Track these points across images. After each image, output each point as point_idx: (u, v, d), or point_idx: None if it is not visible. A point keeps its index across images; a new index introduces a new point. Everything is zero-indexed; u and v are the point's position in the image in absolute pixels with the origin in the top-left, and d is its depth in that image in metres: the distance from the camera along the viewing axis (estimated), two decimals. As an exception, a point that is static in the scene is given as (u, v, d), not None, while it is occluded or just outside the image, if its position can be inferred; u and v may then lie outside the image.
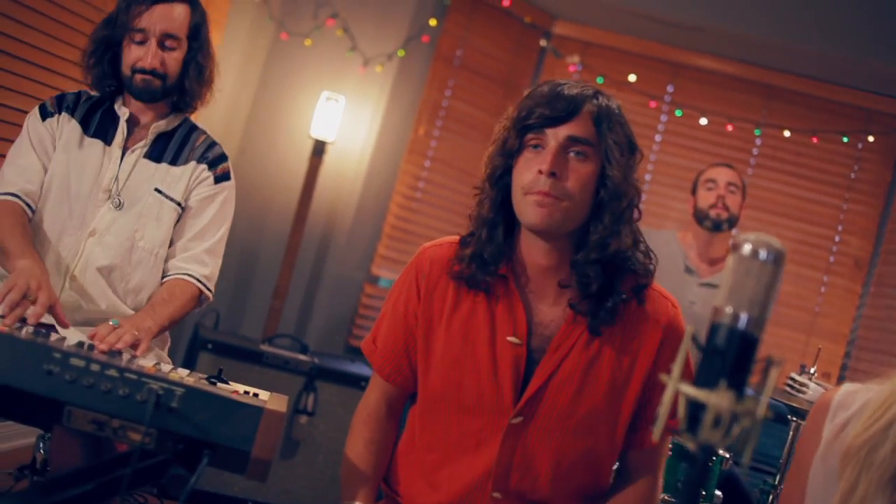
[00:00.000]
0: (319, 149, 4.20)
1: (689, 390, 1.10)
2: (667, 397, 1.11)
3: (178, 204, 2.32)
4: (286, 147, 4.44)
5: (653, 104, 4.66)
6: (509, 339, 1.69)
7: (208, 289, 2.34)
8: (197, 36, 2.36)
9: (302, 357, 3.66)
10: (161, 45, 2.27)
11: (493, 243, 1.70)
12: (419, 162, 4.61)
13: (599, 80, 4.64)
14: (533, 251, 1.71)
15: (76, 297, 2.24)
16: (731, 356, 1.12)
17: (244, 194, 4.45)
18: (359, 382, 3.66)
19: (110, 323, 1.89)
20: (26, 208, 2.22)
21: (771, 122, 4.60)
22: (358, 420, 1.86)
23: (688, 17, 4.32)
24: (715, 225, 3.57)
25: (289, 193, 4.37)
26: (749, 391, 1.12)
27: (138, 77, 2.27)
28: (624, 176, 1.65)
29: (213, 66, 2.43)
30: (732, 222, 3.59)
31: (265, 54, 4.49)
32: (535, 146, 1.66)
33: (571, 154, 1.64)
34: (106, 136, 2.32)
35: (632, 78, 4.64)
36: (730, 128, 4.59)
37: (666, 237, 3.71)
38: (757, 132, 4.60)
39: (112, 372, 1.55)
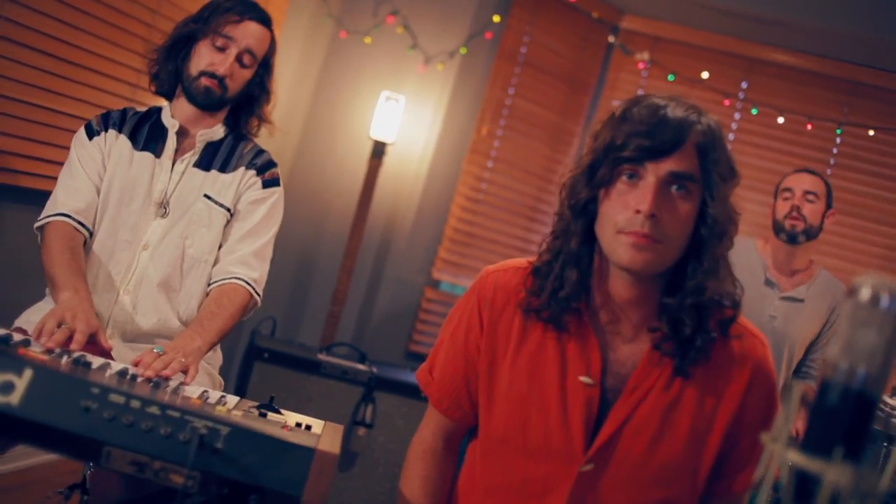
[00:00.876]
0: (379, 150, 4.09)
1: (800, 459, 0.96)
2: (768, 462, 0.96)
3: (228, 210, 2.29)
4: (345, 148, 4.34)
5: (726, 102, 4.45)
6: (581, 379, 1.52)
7: (257, 293, 2.28)
8: (267, 64, 2.39)
9: (360, 367, 3.56)
10: (239, 59, 2.28)
11: (576, 279, 1.53)
12: (482, 162, 4.47)
13: (670, 77, 4.45)
14: (617, 285, 1.54)
15: (129, 311, 2.20)
16: (847, 419, 0.97)
17: (302, 197, 4.39)
18: (418, 393, 3.54)
19: (154, 350, 1.80)
20: (79, 227, 2.18)
21: (853, 121, 4.35)
22: (413, 456, 1.73)
23: (763, 9, 4.11)
24: (790, 237, 3.34)
25: (348, 196, 4.27)
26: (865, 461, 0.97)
27: (203, 80, 2.26)
28: (727, 211, 1.48)
29: (271, 99, 2.44)
30: (811, 233, 3.35)
31: (324, 53, 4.39)
32: (631, 176, 1.47)
33: (673, 190, 1.45)
34: (155, 148, 2.29)
35: (704, 75, 4.43)
36: (809, 127, 4.36)
37: (746, 245, 3.49)
38: (838, 131, 4.36)
39: (153, 409, 1.44)
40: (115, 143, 2.27)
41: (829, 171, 4.37)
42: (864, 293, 0.96)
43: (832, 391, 0.97)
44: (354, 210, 4.11)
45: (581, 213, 1.52)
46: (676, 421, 1.51)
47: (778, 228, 3.37)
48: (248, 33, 2.28)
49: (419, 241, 4.39)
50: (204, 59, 2.26)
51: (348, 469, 3.53)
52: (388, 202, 4.32)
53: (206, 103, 2.28)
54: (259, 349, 3.43)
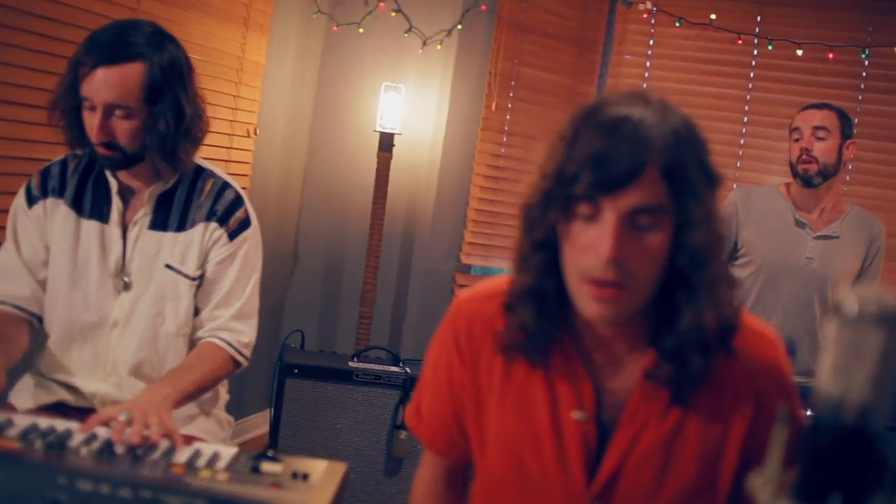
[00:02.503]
0: (387, 142, 3.97)
1: (787, 509, 0.83)
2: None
3: (194, 278, 2.08)
4: (355, 144, 4.23)
5: (740, 42, 4.23)
6: (574, 415, 1.37)
7: (243, 355, 2.10)
8: (158, 97, 1.94)
9: (394, 369, 3.46)
10: (107, 114, 1.91)
11: (545, 315, 1.35)
12: (496, 138, 4.33)
13: (677, 24, 4.25)
14: (593, 327, 1.37)
15: (116, 392, 2.06)
16: (842, 460, 0.84)
17: (319, 200, 4.30)
18: (456, 389, 3.44)
19: (121, 418, 1.68)
20: (15, 311, 2.03)
21: (878, 41, 4.10)
22: (416, 498, 1.62)
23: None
24: (805, 181, 3.14)
25: (365, 193, 4.17)
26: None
27: (98, 150, 1.95)
28: (709, 234, 1.24)
29: (197, 115, 2.04)
30: (827, 173, 3.12)
31: (319, 50, 4.28)
32: (589, 218, 1.24)
33: (638, 222, 1.22)
34: (101, 214, 2.05)
35: (713, 16, 4.22)
36: (830, 55, 4.13)
37: (769, 193, 3.31)
38: (863, 55, 4.12)
39: (124, 491, 1.35)
40: (57, 211, 2.05)
41: (860, 98, 4.14)
42: (850, 309, 0.83)
43: (822, 428, 0.84)
44: (370, 206, 4.01)
45: (541, 247, 1.33)
46: (683, 447, 1.35)
47: (794, 173, 3.19)
48: (101, 85, 1.88)
49: (443, 229, 4.28)
50: (86, 124, 1.94)
51: (395, 475, 3.45)
52: (405, 193, 4.20)
53: (116, 167, 2.00)
54: (289, 366, 3.36)
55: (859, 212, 3.25)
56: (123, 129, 1.93)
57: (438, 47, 4.13)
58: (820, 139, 3.12)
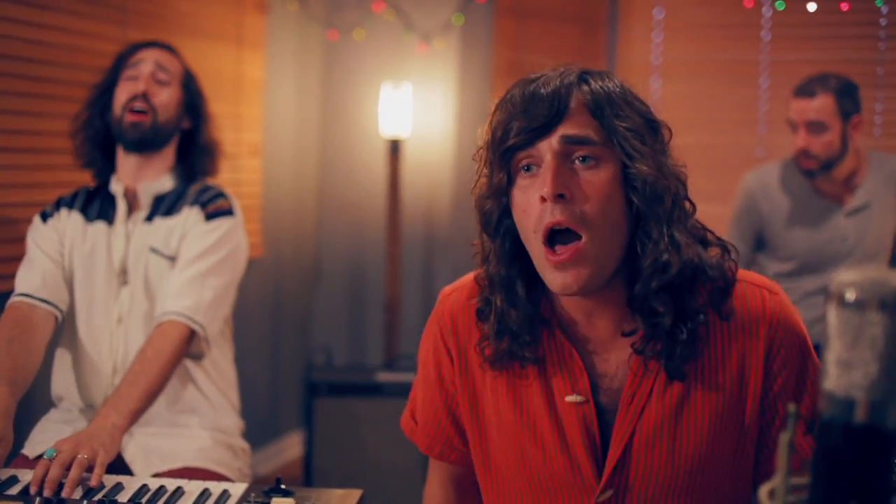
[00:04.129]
0: (395, 145, 3.89)
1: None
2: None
3: (171, 258, 2.12)
4: (366, 151, 4.17)
5: (748, 3, 4.08)
6: (569, 398, 1.31)
7: (195, 322, 2.02)
8: (190, 85, 2.26)
9: (424, 376, 3.40)
10: (153, 77, 2.18)
11: (518, 307, 1.29)
12: (508, 130, 4.24)
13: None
14: (569, 303, 1.32)
15: None
16: (858, 464, 0.74)
17: (336, 212, 4.25)
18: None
19: (45, 457, 1.59)
20: (39, 303, 2.03)
21: (893, -14, 3.95)
22: None
23: None
24: (808, 174, 2.97)
25: (382, 199, 4.10)
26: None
27: (128, 116, 2.14)
28: (657, 166, 1.22)
29: (214, 133, 2.30)
30: (830, 164, 2.93)
31: (320, 60, 4.22)
32: (528, 168, 1.24)
33: (577, 164, 1.22)
34: (108, 216, 2.16)
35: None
36: (845, 7, 3.97)
37: (784, 174, 3.09)
38: (879, 3, 3.96)
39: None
40: (69, 220, 2.15)
41: (881, 47, 3.98)
42: (850, 297, 0.74)
43: (832, 430, 0.75)
44: (385, 213, 3.94)
45: (496, 230, 1.29)
46: (692, 420, 1.28)
47: (797, 166, 3.01)
48: (151, 53, 2.20)
49: (463, 229, 4.19)
50: (121, 96, 2.16)
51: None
52: (423, 195, 4.13)
53: (139, 139, 2.14)
54: (315, 384, 3.31)
55: (880, 160, 3.06)
56: (164, 94, 2.18)
57: (440, 43, 4.05)
58: (815, 134, 2.91)
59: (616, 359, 1.32)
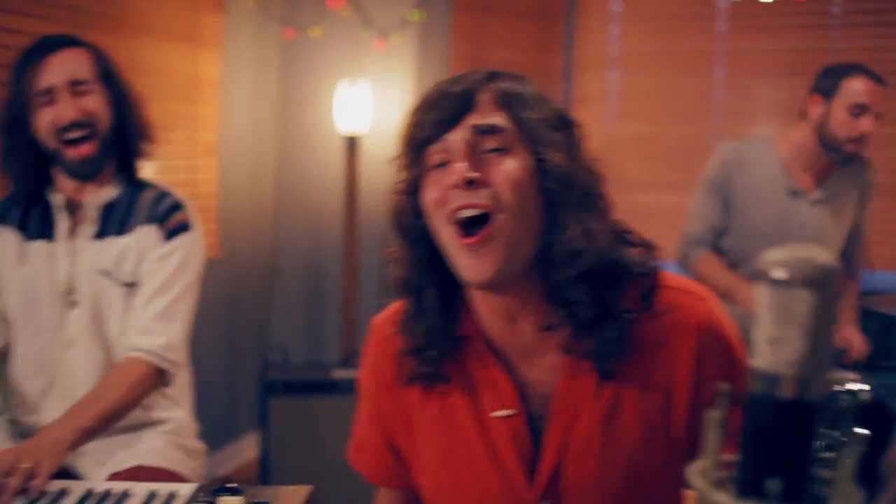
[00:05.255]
0: (352, 144, 3.87)
1: (723, 500, 0.73)
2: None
3: (128, 284, 2.00)
4: (324, 150, 4.15)
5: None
6: (496, 414, 1.29)
7: (168, 360, 1.96)
8: (111, 77, 2.03)
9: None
10: (72, 92, 1.94)
11: (427, 316, 1.28)
12: (468, 125, 4.23)
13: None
14: (488, 308, 1.29)
15: None
16: (784, 440, 0.74)
17: (294, 210, 4.21)
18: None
19: None
20: None
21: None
22: None
23: None
24: (844, 160, 2.93)
25: (338, 198, 4.08)
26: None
27: (70, 153, 1.95)
28: (569, 157, 1.22)
29: (144, 113, 2.09)
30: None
31: (276, 58, 4.18)
32: (441, 164, 1.23)
33: (489, 154, 1.21)
34: (48, 232, 2.01)
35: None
36: (798, -5, 4.01)
37: (759, 149, 3.07)
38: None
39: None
40: (2, 240, 2.01)
41: (835, 36, 4.02)
42: (778, 275, 0.74)
43: (759, 407, 0.75)
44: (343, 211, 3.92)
45: (410, 232, 1.27)
46: (624, 425, 1.26)
47: (830, 143, 2.92)
48: (56, 68, 1.93)
49: (424, 224, 4.20)
50: (44, 121, 1.94)
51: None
52: (380, 193, 4.08)
53: (90, 170, 2.00)
54: (271, 384, 3.28)
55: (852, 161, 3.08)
56: (92, 102, 1.96)
57: (398, 39, 4.03)
58: (871, 117, 2.87)
59: (545, 364, 1.29)
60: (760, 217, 3.02)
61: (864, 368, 2.80)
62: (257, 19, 4.08)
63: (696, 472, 0.77)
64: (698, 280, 3.19)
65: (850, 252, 3.11)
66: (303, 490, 1.48)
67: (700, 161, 3.27)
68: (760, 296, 0.74)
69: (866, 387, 2.61)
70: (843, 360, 2.82)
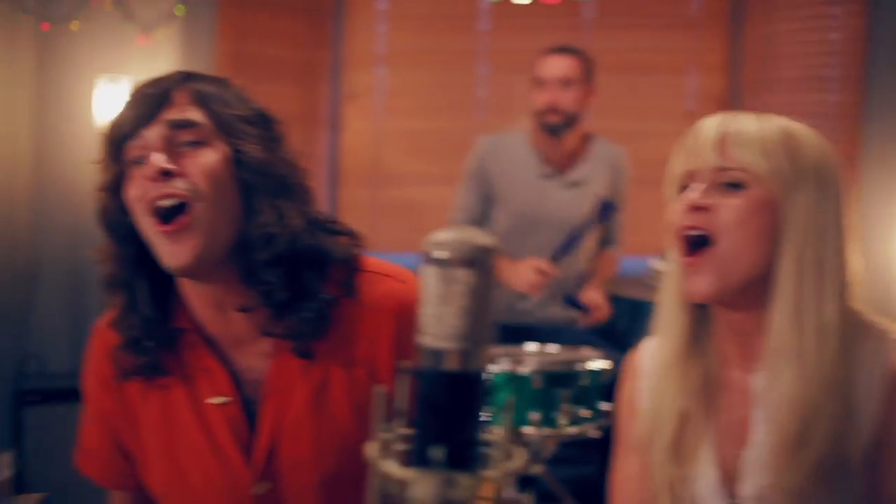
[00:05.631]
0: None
1: (394, 470, 0.79)
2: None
3: None
4: (85, 149, 3.96)
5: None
6: (211, 401, 1.33)
7: None
8: None
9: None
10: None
11: (138, 310, 1.31)
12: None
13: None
14: (198, 298, 1.33)
15: None
16: (450, 410, 0.80)
17: (55, 211, 3.99)
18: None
19: None
20: None
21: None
22: None
23: None
24: (551, 130, 3.19)
25: (103, 197, 3.93)
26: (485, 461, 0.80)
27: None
28: (267, 150, 1.29)
29: None
30: (571, 121, 3.18)
31: (32, 54, 3.97)
32: (139, 160, 1.26)
33: (185, 148, 1.25)
34: None
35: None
36: (553, 1, 4.22)
37: (514, 141, 3.31)
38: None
39: None
40: None
41: (586, 39, 4.26)
42: (439, 255, 0.79)
43: (426, 380, 0.80)
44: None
45: (117, 230, 1.29)
46: (332, 403, 1.33)
47: (537, 121, 3.22)
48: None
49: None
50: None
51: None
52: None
53: None
54: (25, 394, 3.13)
55: (603, 146, 3.33)
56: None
57: (161, 34, 3.93)
58: (566, 89, 3.15)
59: (257, 351, 1.34)
60: (519, 203, 3.24)
61: (614, 348, 3.01)
62: (8, 10, 3.86)
63: (373, 445, 0.82)
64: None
65: (606, 230, 3.35)
66: (33, 498, 1.44)
67: (466, 155, 3.42)
68: (425, 275, 0.80)
69: (607, 364, 2.81)
70: (587, 321, 3.05)
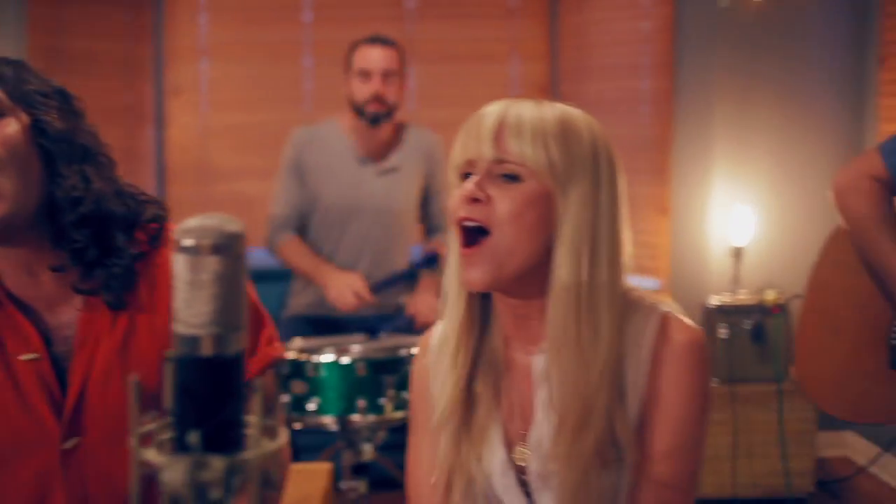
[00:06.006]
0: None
1: (152, 457, 0.80)
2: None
3: None
4: None
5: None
6: (21, 357, 1.37)
7: None
8: None
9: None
10: None
11: None
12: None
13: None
14: (6, 262, 1.39)
15: None
16: (208, 394, 0.82)
17: None
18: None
19: None
20: None
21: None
22: None
23: None
24: (373, 120, 3.23)
25: None
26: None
27: None
28: (68, 121, 1.37)
29: None
30: (392, 111, 3.25)
31: None
32: None
33: None
34: None
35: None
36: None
37: (328, 130, 3.37)
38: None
39: None
40: None
41: (407, 29, 4.31)
42: (187, 243, 0.80)
43: (181, 367, 0.81)
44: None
45: None
46: (139, 351, 1.41)
47: (359, 111, 3.24)
48: None
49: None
50: None
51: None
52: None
53: None
54: None
55: (416, 133, 3.39)
56: None
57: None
58: (390, 82, 3.20)
59: (69, 310, 1.41)
60: (335, 190, 3.28)
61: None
62: None
63: (136, 435, 0.83)
64: (284, 265, 3.37)
65: (430, 217, 3.43)
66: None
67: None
68: (176, 264, 0.81)
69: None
70: (413, 327, 3.09)
